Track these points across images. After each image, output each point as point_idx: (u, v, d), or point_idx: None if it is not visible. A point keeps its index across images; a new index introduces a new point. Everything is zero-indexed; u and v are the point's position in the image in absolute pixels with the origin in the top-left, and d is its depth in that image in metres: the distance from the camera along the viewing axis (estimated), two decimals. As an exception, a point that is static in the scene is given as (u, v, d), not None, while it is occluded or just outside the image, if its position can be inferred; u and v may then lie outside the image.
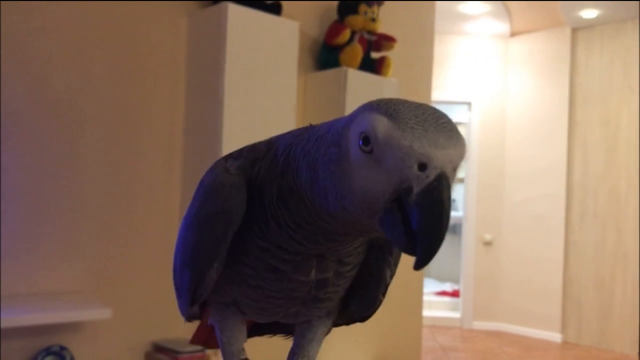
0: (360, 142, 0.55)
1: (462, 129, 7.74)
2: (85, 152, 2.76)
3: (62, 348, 2.62)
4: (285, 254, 0.66)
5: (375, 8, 3.45)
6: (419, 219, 0.52)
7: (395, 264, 0.76)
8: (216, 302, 0.75)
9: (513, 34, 6.47)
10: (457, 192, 7.72)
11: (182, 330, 2.91)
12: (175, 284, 0.75)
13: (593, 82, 6.01)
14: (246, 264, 0.68)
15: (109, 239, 2.81)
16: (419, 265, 0.53)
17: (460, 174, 7.56)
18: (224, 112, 2.79)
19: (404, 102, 0.56)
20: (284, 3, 3.13)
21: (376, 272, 0.75)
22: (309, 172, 0.60)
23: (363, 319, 0.80)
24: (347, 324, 0.82)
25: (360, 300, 0.78)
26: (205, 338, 0.91)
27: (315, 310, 0.74)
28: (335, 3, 3.50)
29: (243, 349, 0.76)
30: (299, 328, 0.78)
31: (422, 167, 0.52)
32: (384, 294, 0.77)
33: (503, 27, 6.29)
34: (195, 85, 3.00)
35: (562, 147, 6.09)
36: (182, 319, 0.83)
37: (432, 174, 0.52)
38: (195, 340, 0.93)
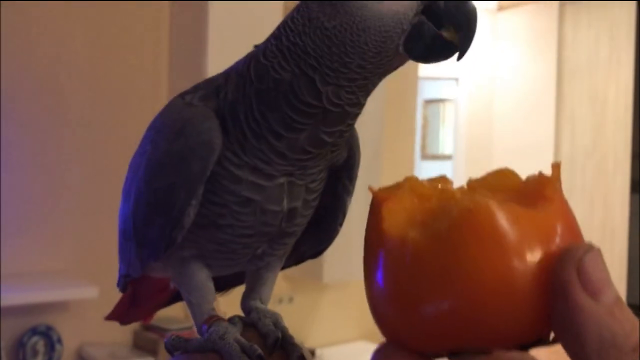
0: None
1: (450, 105, 7.73)
2: (69, 134, 2.74)
3: (49, 328, 2.61)
4: (260, 178, 0.65)
5: (360, -19, 3.41)
6: (456, 13, 0.60)
7: (352, 192, 0.76)
8: (177, 259, 0.70)
9: (501, 8, 6.44)
10: (446, 169, 7.73)
11: (170, 308, 2.90)
12: (136, 237, 0.71)
13: (581, 57, 6.00)
14: (215, 202, 0.66)
15: (94, 217, 2.78)
16: (464, 50, 0.61)
17: (448, 150, 7.59)
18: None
19: None
20: (268, -22, 3.09)
21: (334, 202, 0.76)
22: (300, 53, 0.61)
23: (317, 254, 0.81)
24: (297, 263, 0.82)
25: (316, 235, 0.78)
26: (121, 313, 0.87)
27: (279, 248, 0.73)
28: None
29: (213, 308, 0.72)
30: (250, 273, 0.76)
31: None
32: (341, 224, 0.77)
33: (491, 1, 6.26)
34: (178, 68, 2.96)
35: (550, 121, 6.10)
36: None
37: None
38: (111, 316, 0.87)
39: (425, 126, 8.30)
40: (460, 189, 0.46)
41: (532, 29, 6.27)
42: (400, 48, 0.61)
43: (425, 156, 8.30)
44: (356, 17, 0.60)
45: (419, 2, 0.60)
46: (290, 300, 3.48)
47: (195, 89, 0.68)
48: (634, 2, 5.57)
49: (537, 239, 0.39)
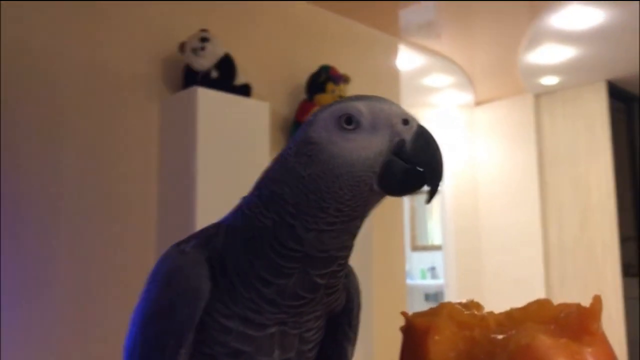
0: (343, 124, 0.65)
1: (435, 198, 7.81)
2: (60, 241, 2.71)
3: None
4: (249, 328, 0.64)
5: (342, 86, 3.55)
6: (422, 156, 0.65)
7: (355, 340, 0.75)
8: None
9: (478, 103, 6.66)
10: (437, 259, 7.70)
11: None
12: None
13: (560, 145, 6.16)
14: (205, 353, 0.66)
15: (83, 330, 2.72)
16: (432, 195, 0.65)
17: (438, 241, 7.59)
18: (197, 195, 2.78)
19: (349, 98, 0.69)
20: (253, 84, 3.20)
21: (335, 351, 0.74)
22: (279, 201, 0.64)
23: None
24: None
25: None
26: None
27: None
28: (304, 82, 3.59)
29: None
30: None
31: (405, 122, 0.66)
32: None
33: (467, 97, 6.48)
34: (168, 170, 3.00)
35: (535, 210, 6.16)
36: None
37: (414, 124, 0.66)
38: None
39: (413, 218, 8.34)
40: (495, 317, 0.48)
41: (510, 121, 6.46)
42: (375, 186, 0.64)
43: (416, 247, 8.29)
44: (329, 165, 0.63)
45: (387, 148, 0.65)
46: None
47: (190, 238, 0.70)
48: (605, 90, 5.80)
49: None
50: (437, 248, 7.57)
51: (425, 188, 0.66)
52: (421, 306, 7.88)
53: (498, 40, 5.00)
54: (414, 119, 0.67)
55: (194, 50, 2.96)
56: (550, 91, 6.20)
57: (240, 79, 3.12)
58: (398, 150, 0.65)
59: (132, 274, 2.87)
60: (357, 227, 0.67)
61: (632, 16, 4.40)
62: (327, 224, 0.63)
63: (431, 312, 0.50)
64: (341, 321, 0.74)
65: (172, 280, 0.65)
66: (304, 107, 3.49)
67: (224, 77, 3.03)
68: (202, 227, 0.72)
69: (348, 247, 0.66)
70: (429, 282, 7.93)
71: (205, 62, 2.97)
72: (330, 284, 0.66)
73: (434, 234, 8.23)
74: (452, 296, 6.51)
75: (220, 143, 2.93)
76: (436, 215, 7.91)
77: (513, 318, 0.48)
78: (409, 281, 6.47)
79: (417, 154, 0.65)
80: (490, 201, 6.52)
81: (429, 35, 4.84)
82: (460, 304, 0.51)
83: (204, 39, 2.97)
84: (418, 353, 0.47)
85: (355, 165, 0.63)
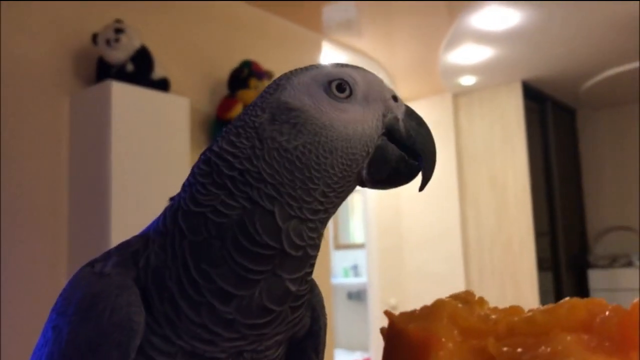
0: (335, 91, 0.56)
1: (357, 195, 7.87)
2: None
3: None
4: None
5: (265, 81, 3.45)
6: (418, 137, 0.59)
7: None
8: None
9: (399, 102, 6.72)
10: (359, 257, 7.74)
11: None
12: None
13: (477, 144, 6.32)
14: None
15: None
16: (426, 182, 0.60)
17: (360, 239, 7.63)
18: (111, 198, 2.60)
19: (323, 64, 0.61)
20: (172, 78, 3.06)
21: None
22: (252, 181, 0.52)
23: None
24: None
25: None
26: None
27: None
28: (225, 78, 3.47)
29: None
30: None
31: (395, 98, 0.61)
32: None
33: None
34: (79, 171, 2.81)
35: (454, 207, 6.30)
36: None
37: (402, 103, 0.61)
38: None
39: (335, 216, 8.31)
40: (509, 319, 0.39)
41: (429, 120, 6.18)
42: (364, 172, 0.57)
43: (338, 246, 8.30)
44: (322, 137, 0.54)
45: (381, 125, 0.58)
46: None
47: (107, 255, 0.55)
48: (520, 90, 6.00)
49: None
50: (360, 246, 7.60)
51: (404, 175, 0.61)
52: (345, 305, 7.91)
53: (419, 39, 5.05)
54: (400, 97, 0.62)
55: (108, 42, 2.79)
56: (467, 91, 6.35)
57: (157, 73, 2.97)
58: (391, 128, 0.58)
59: (40, 287, 2.67)
60: (328, 221, 0.58)
61: (546, 18, 4.55)
62: (311, 212, 0.54)
63: (426, 315, 0.40)
64: (305, 346, 0.62)
65: (90, 314, 0.49)
66: (226, 103, 3.38)
67: (140, 70, 2.87)
68: (122, 241, 0.57)
69: (318, 246, 0.56)
70: (352, 280, 7.96)
71: (119, 54, 2.81)
72: (300, 292, 0.55)
73: (356, 232, 8.26)
74: (375, 294, 6.55)
75: (136, 141, 2.78)
76: (358, 214, 7.95)
77: (536, 323, 0.39)
78: (331, 280, 6.46)
79: (411, 134, 0.59)
80: (411, 199, 6.61)
81: (350, 33, 4.83)
82: (456, 297, 0.42)
83: (119, 30, 2.80)
84: None
85: (351, 141, 0.55)
